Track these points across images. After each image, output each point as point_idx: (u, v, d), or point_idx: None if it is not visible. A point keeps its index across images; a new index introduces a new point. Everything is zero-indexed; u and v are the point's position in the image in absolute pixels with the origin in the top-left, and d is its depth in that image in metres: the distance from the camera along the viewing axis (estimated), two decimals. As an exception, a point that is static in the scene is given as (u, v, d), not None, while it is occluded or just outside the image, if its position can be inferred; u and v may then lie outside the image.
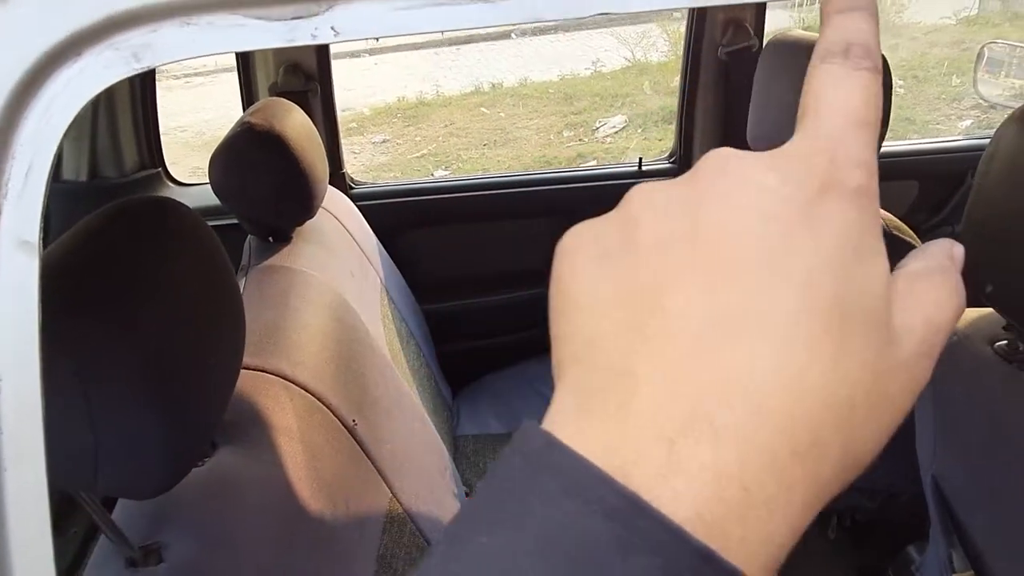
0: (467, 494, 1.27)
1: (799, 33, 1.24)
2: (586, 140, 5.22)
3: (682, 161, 1.66)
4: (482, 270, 1.67)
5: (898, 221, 1.15)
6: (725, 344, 0.17)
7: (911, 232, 1.13)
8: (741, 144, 1.19)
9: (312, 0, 0.28)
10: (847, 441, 0.17)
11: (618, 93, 5.71)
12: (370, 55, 6.62)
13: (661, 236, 0.19)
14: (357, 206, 1.46)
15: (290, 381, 0.81)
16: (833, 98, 0.19)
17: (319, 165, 1.11)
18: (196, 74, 6.33)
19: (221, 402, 0.59)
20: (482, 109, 5.94)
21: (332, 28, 0.28)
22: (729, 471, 0.16)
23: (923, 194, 1.73)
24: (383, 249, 1.46)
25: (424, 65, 6.79)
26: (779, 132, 1.20)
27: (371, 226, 1.45)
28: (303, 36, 0.28)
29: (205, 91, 5.91)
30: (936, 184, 1.72)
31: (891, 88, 1.11)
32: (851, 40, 0.20)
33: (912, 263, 0.20)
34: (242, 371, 0.80)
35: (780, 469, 0.16)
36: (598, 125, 5.25)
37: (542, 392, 1.54)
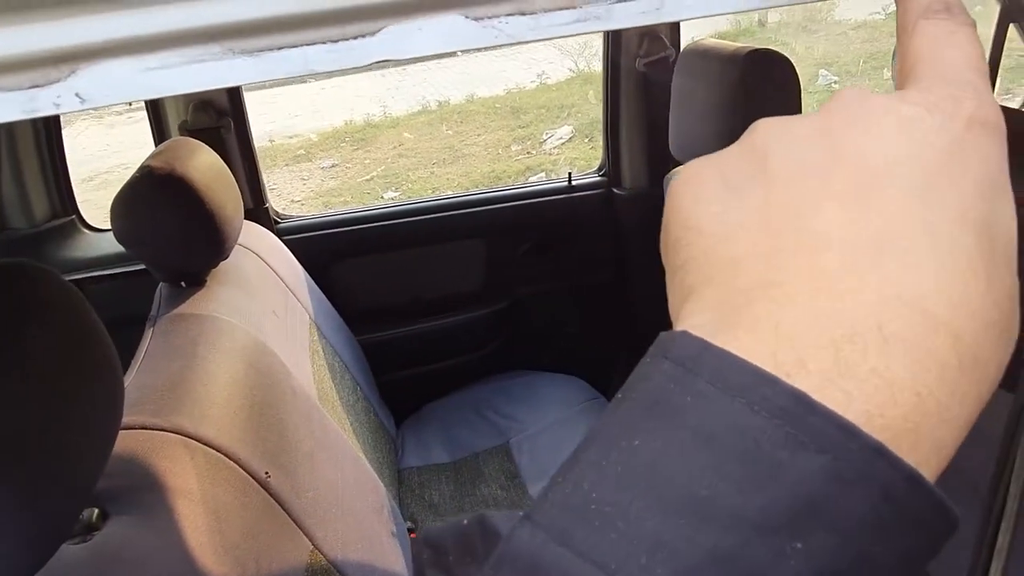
0: (410, 530, 1.24)
1: (712, 42, 1.24)
2: (534, 153, 5.23)
3: (611, 173, 1.66)
4: (419, 296, 1.64)
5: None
6: (885, 259, 0.17)
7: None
8: (666, 153, 1.18)
9: (50, 66, 0.25)
10: (999, 361, 0.18)
11: (564, 104, 5.75)
12: (315, 79, 6.57)
13: (796, 165, 0.19)
14: (284, 240, 1.42)
15: (192, 438, 0.77)
16: (953, 49, 0.20)
17: (229, 205, 1.07)
18: (118, 114, 6.21)
19: (88, 473, 0.55)
20: (437, 127, 5.92)
21: (77, 95, 0.26)
22: (901, 377, 0.16)
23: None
24: (313, 283, 1.42)
25: (371, 86, 6.76)
26: (699, 138, 1.20)
27: (300, 260, 1.41)
28: (45, 106, 0.26)
29: (132, 130, 5.79)
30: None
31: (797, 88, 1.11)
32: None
33: None
34: (138, 432, 0.76)
35: (951, 380, 0.17)
36: (545, 137, 5.27)
37: (488, 416, 1.52)
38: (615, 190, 1.65)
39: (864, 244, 0.17)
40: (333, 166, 5.57)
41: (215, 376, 0.88)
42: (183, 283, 1.08)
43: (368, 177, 5.39)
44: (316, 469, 0.96)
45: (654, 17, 0.28)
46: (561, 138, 5.19)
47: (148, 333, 0.98)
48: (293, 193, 5.22)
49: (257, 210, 1.49)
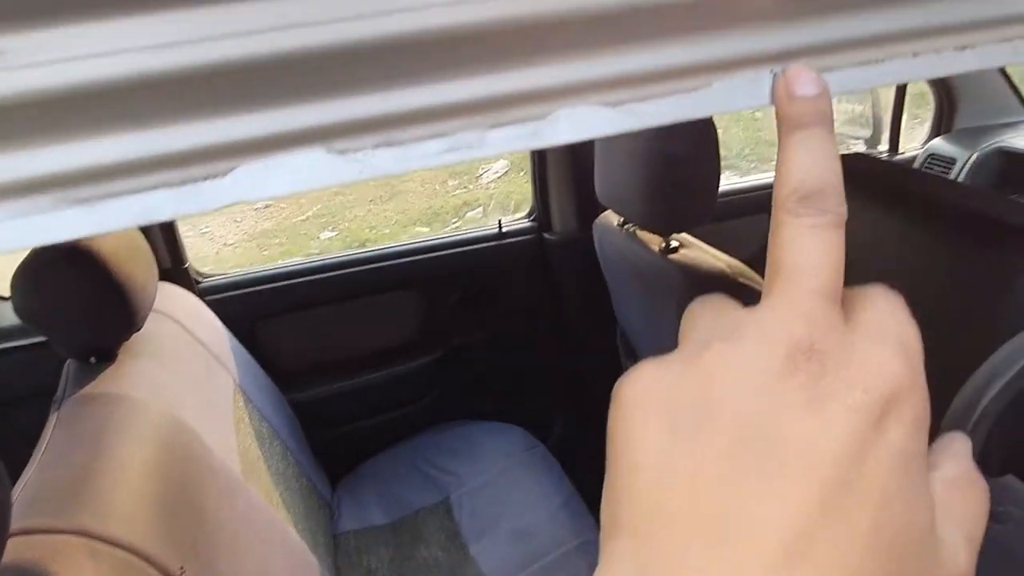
0: (347, 602, 1.19)
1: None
2: (471, 187, 5.24)
3: (541, 218, 1.66)
4: (351, 350, 1.60)
5: (742, 266, 1.16)
6: (801, 568, 0.17)
7: (756, 277, 1.15)
8: (595, 197, 1.16)
9: None
10: None
11: (498, 138, 5.77)
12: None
13: (742, 422, 0.18)
14: (207, 301, 1.36)
15: (96, 539, 0.71)
16: (800, 255, 0.21)
17: (141, 273, 1.02)
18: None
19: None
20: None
21: None
22: None
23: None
24: (239, 345, 1.37)
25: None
26: (622, 185, 1.21)
27: (225, 321, 1.35)
28: None
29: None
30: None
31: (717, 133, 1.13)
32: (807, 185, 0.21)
33: (946, 466, 0.21)
34: (36, 538, 0.70)
35: None
36: (481, 172, 5.28)
37: (426, 471, 1.48)
38: (546, 235, 1.65)
39: (787, 547, 0.17)
40: (267, 206, 5.46)
41: (124, 465, 0.83)
42: (92, 359, 1.02)
43: (303, 217, 5.30)
44: (239, 555, 0.91)
45: (529, 143, 0.27)
46: (497, 172, 5.21)
47: (52, 419, 0.92)
48: (226, 236, 5.09)
49: (176, 270, 1.43)
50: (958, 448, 0.21)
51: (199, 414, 1.05)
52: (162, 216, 0.24)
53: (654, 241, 1.26)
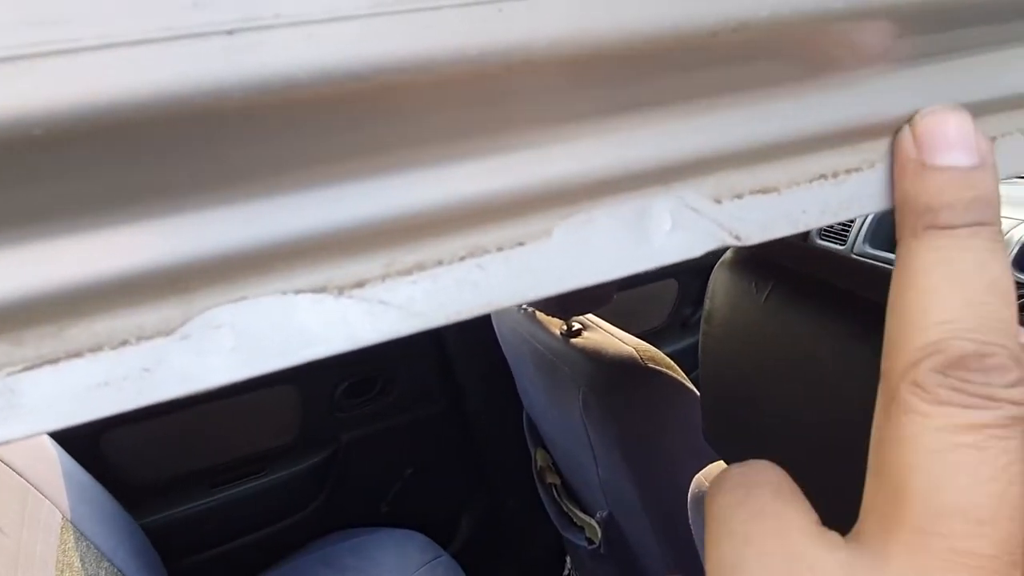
0: None
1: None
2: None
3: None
4: (218, 460, 1.38)
5: (651, 349, 1.06)
6: None
7: (667, 361, 1.04)
8: None
9: None
10: None
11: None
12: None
13: None
14: (36, 415, 1.14)
15: None
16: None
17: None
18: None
19: None
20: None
21: None
22: None
23: (683, 289, 1.72)
24: (75, 465, 1.15)
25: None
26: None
27: (57, 437, 1.13)
28: None
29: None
30: (692, 277, 1.72)
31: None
32: None
33: None
34: None
35: None
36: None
37: (310, 596, 1.27)
38: (440, 313, 1.50)
39: None
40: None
41: None
42: None
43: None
44: None
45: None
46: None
47: None
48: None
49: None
50: None
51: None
52: None
53: (554, 323, 1.14)
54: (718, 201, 0.17)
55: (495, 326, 1.34)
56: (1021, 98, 0.18)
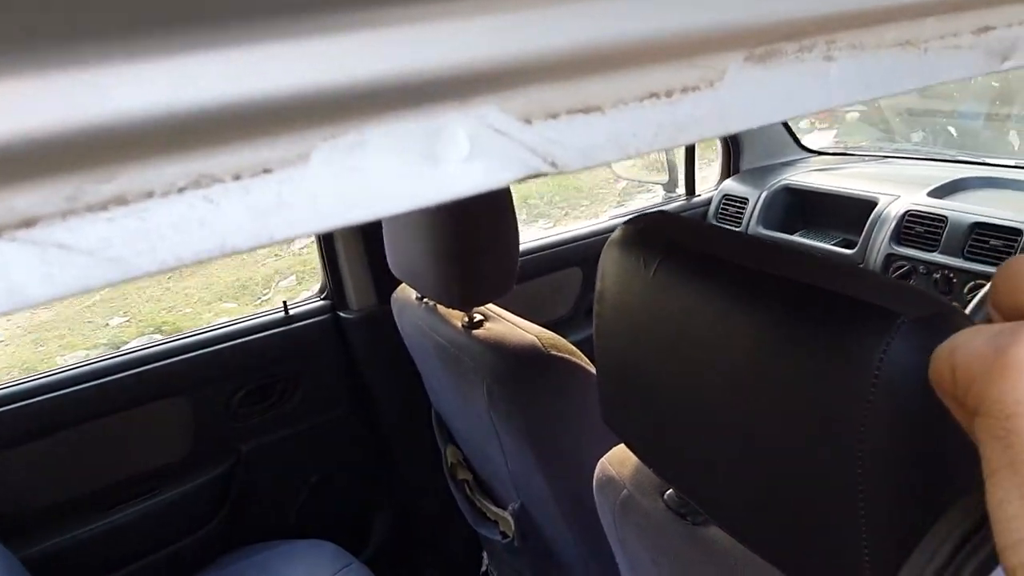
0: None
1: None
2: (282, 255, 4.90)
3: (334, 295, 1.46)
4: (104, 481, 1.28)
5: (553, 336, 1.04)
6: None
7: (569, 347, 1.03)
8: (388, 273, 0.98)
9: None
10: None
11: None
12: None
13: None
14: None
15: None
16: None
17: None
18: None
19: None
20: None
21: None
22: None
23: (587, 278, 1.72)
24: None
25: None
26: (411, 254, 1.05)
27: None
28: None
29: None
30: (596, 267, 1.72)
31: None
32: None
33: None
34: None
35: None
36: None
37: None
38: (341, 313, 1.45)
39: None
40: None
41: None
42: None
43: (90, 303, 4.68)
44: None
45: None
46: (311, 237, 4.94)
47: None
48: (-8, 334, 4.35)
49: None
50: None
51: None
52: None
53: (456, 316, 1.11)
54: (528, 121, 0.14)
55: (398, 324, 1.30)
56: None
